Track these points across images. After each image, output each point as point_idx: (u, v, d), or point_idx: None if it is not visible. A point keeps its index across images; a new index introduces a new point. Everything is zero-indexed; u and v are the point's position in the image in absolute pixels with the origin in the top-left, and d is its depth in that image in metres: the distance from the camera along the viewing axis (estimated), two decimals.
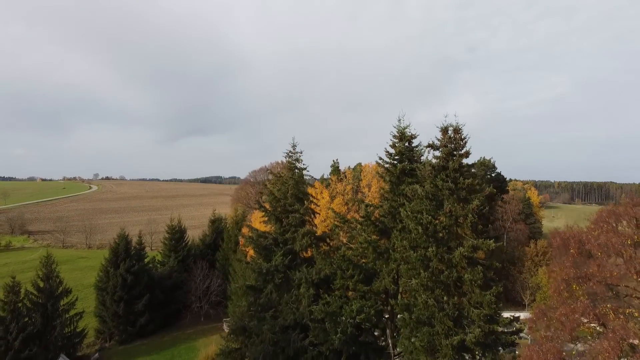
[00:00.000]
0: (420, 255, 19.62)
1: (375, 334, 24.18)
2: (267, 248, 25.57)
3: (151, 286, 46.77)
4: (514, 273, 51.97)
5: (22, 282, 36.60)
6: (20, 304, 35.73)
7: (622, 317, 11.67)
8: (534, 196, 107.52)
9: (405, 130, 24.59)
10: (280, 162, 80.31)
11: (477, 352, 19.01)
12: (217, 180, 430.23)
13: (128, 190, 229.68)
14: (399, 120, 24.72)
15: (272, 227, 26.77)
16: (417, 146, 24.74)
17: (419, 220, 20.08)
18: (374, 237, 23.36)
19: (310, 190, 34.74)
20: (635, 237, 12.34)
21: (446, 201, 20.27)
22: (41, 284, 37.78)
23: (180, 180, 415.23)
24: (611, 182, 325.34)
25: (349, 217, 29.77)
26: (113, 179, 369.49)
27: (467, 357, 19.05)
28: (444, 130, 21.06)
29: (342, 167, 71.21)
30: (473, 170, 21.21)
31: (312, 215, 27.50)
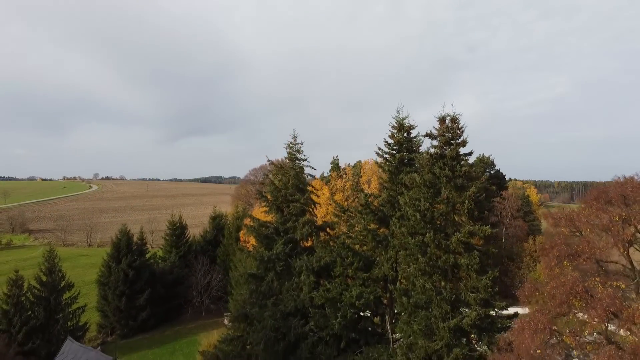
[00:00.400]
0: (418, 241, 20.08)
1: (375, 321, 24.60)
2: (269, 237, 26.00)
3: (152, 281, 47.11)
4: (513, 269, 52.32)
5: (23, 278, 37.01)
6: (23, 298, 36.20)
7: (610, 289, 12.17)
8: (533, 194, 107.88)
9: (404, 120, 25.01)
10: (280, 159, 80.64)
11: (473, 335, 19.46)
12: (217, 180, 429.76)
13: (128, 190, 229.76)
14: (398, 111, 25.18)
15: (273, 217, 27.19)
16: (415, 137, 25.17)
17: (417, 207, 20.54)
18: (373, 225, 23.77)
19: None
20: (624, 214, 12.85)
21: (443, 188, 20.72)
22: (44, 278, 38.13)
23: (180, 180, 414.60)
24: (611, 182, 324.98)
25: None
26: (113, 179, 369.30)
27: (463, 340, 19.48)
28: (442, 120, 21.53)
29: (342, 165, 71.84)
30: (468, 158, 21.64)
31: (313, 206, 27.93)
